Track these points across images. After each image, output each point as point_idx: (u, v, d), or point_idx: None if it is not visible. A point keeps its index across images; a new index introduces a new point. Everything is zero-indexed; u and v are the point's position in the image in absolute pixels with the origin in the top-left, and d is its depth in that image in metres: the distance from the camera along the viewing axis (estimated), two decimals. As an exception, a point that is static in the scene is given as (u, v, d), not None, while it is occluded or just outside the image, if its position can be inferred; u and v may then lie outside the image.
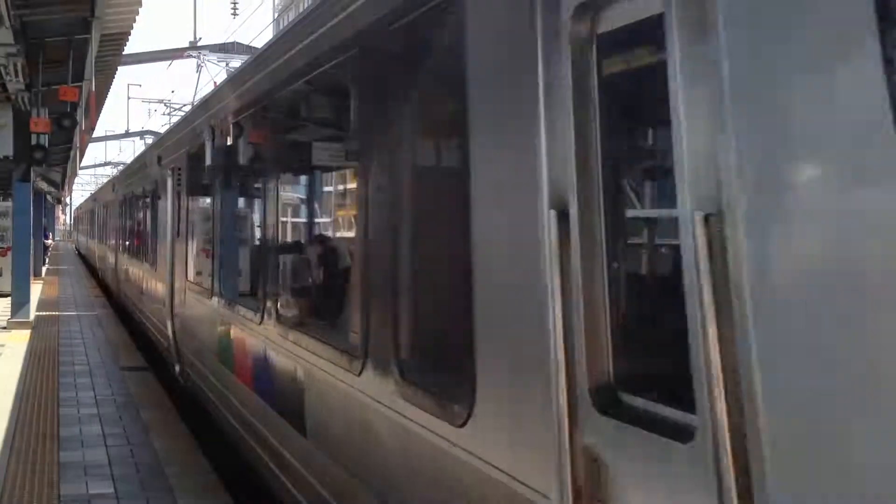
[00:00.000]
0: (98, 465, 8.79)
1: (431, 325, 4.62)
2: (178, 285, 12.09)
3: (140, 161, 20.35)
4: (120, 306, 24.30)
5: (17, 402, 11.69)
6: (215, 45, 37.91)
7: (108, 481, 8.25)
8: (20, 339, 17.79)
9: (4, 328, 19.50)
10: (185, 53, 36.51)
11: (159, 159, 14.87)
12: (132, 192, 20.94)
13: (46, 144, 18.59)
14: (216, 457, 9.36)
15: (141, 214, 18.53)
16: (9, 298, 20.59)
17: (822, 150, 2.05)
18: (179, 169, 12.34)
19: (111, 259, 27.58)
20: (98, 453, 9.21)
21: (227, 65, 35.80)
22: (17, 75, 15.48)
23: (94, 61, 17.16)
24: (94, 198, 44.75)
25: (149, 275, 16.27)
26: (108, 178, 42.99)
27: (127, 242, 22.17)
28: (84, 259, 54.50)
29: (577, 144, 2.94)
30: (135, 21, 17.60)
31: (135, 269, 19.38)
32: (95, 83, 19.41)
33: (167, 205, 13.04)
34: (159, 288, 14.08)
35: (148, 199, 16.70)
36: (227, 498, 7.88)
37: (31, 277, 21.51)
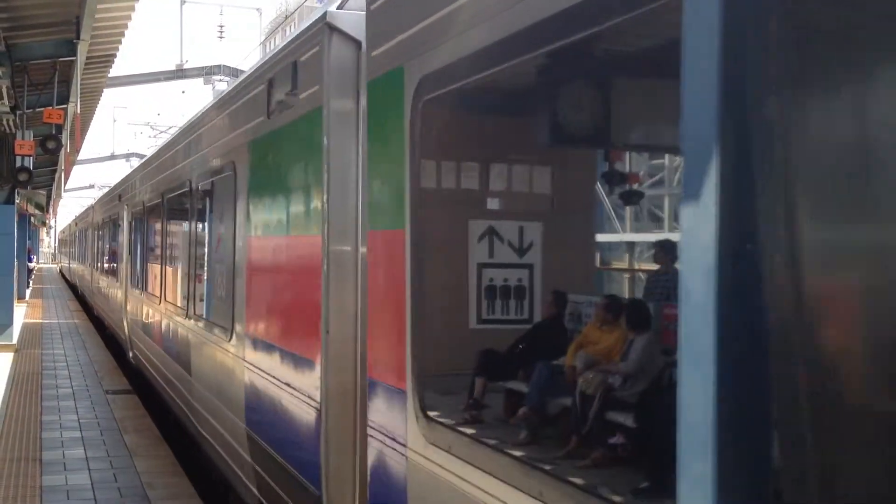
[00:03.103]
0: (81, 488, 8.73)
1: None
2: None
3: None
4: None
5: (0, 426, 11.61)
6: (201, 67, 37.95)
7: (90, 505, 8.20)
8: (3, 363, 17.67)
9: (-13, 351, 19.38)
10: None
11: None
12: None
13: (31, 167, 18.55)
14: (200, 480, 9.31)
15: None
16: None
17: None
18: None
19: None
20: (81, 477, 9.15)
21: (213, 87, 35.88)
22: (1, 98, 15.47)
23: (79, 84, 17.16)
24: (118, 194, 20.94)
25: None
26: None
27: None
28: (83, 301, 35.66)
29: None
30: (120, 44, 17.64)
31: None
32: (80, 106, 19.41)
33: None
34: None
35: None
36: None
37: (15, 300, 21.40)
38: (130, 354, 16.58)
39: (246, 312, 7.22)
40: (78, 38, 14.22)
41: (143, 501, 8.31)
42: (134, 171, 18.47)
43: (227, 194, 7.99)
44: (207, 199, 9.71)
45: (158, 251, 12.97)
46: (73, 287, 45.92)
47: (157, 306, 12.69)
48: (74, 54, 14.90)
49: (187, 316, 10.06)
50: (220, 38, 48.50)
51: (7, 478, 9.08)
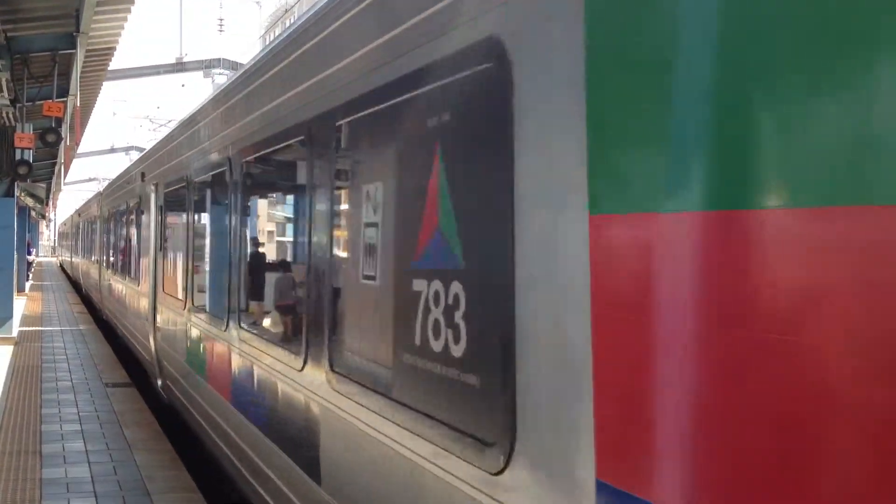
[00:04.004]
0: (81, 481, 8.73)
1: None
2: None
3: None
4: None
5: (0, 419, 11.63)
6: (201, 61, 37.93)
7: (90, 498, 8.20)
8: (3, 356, 17.68)
9: (-13, 344, 19.38)
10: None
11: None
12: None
13: (31, 160, 18.55)
14: (199, 474, 9.32)
15: None
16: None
17: None
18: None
19: None
20: (81, 470, 9.16)
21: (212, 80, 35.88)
22: (1, 91, 15.46)
23: (79, 77, 17.15)
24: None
25: None
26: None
27: None
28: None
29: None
30: (120, 37, 17.63)
31: None
32: (80, 98, 19.39)
33: None
34: None
35: None
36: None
37: (15, 293, 21.42)
38: (159, 383, 12.89)
39: (528, 395, 2.98)
40: (78, 30, 14.23)
41: (143, 494, 8.31)
42: (166, 137, 13.60)
43: (476, 128, 3.46)
44: (356, 152, 5.09)
45: (223, 247, 8.38)
46: (75, 284, 42.93)
47: (220, 332, 8.33)
48: (74, 47, 14.89)
49: (303, 368, 5.60)
50: (220, 31, 48.46)
51: (7, 471, 9.08)
